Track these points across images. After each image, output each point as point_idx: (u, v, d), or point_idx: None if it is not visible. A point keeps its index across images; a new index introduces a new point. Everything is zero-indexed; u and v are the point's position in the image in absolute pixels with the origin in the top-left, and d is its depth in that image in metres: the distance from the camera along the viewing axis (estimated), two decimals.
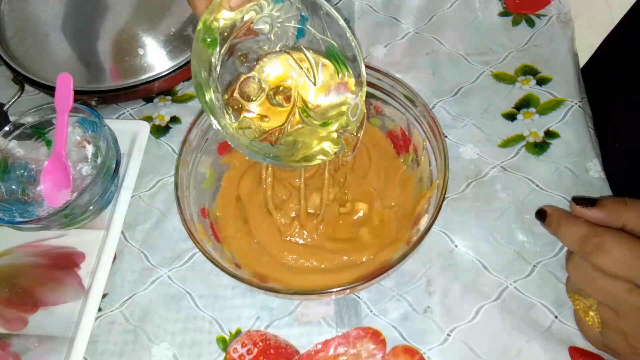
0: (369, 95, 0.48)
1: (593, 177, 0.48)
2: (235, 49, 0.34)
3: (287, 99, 0.36)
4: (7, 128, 0.49)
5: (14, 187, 0.49)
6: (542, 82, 0.54)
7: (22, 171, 0.50)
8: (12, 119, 0.50)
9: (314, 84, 0.35)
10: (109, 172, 0.47)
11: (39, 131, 0.51)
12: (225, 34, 0.33)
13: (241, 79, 0.35)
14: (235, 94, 0.35)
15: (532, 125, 0.52)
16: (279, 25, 0.34)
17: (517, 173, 0.49)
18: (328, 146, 0.34)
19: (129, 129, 0.54)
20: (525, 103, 0.53)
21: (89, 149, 0.51)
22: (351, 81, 0.35)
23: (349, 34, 0.33)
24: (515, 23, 0.58)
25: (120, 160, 0.50)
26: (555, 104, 0.53)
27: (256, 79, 0.35)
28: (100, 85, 0.54)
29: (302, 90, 0.35)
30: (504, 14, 0.59)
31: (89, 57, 0.55)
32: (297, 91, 0.35)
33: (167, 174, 0.52)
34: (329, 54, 0.34)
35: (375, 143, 0.50)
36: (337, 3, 0.62)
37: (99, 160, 0.50)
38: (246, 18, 0.33)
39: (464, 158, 0.51)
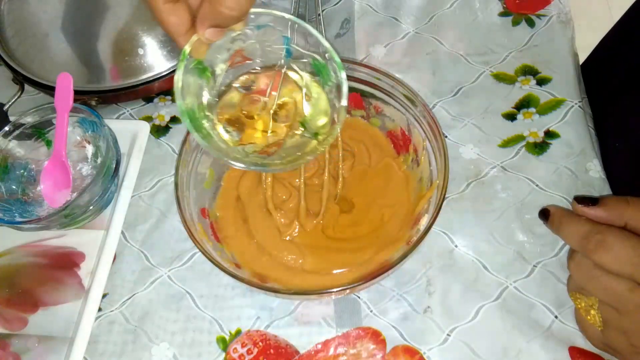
0: (369, 95, 0.48)
1: (593, 177, 0.48)
2: (232, 75, 0.37)
3: (286, 114, 0.38)
4: (7, 128, 0.49)
5: (14, 187, 0.49)
6: (542, 82, 0.54)
7: (22, 171, 0.50)
8: (12, 119, 0.50)
9: (308, 98, 0.37)
10: (109, 172, 0.47)
11: (39, 131, 0.51)
12: (217, 64, 0.35)
13: (243, 101, 0.37)
14: (240, 114, 0.37)
15: (532, 125, 0.52)
16: (268, 48, 0.36)
17: (517, 173, 0.49)
18: (314, 148, 0.36)
19: (129, 129, 0.54)
20: (525, 103, 0.53)
21: (89, 149, 0.51)
22: (335, 90, 0.36)
23: (324, 41, 0.34)
24: (515, 23, 0.58)
25: (120, 160, 0.50)
26: (555, 104, 0.53)
27: (258, 99, 0.37)
28: (100, 85, 0.54)
29: (299, 105, 0.37)
30: (504, 14, 0.59)
31: (89, 57, 0.55)
32: (295, 107, 0.37)
33: (167, 174, 0.52)
34: (315, 67, 0.36)
35: (375, 143, 0.50)
36: (337, 3, 0.62)
37: (99, 160, 0.50)
38: (235, 48, 0.35)
39: (464, 158, 0.51)
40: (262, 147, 0.37)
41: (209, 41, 0.33)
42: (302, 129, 0.37)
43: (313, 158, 0.39)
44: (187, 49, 0.33)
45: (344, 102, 0.34)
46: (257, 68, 0.37)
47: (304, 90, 0.37)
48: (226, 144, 0.36)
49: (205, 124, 0.35)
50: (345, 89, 0.35)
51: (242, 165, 0.35)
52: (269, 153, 0.37)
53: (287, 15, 0.34)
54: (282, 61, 0.37)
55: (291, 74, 0.37)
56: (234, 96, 0.37)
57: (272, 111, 0.37)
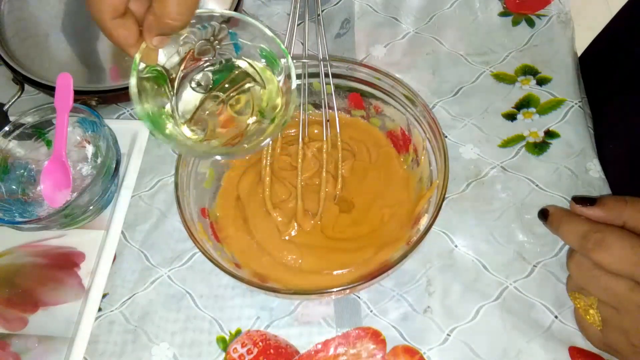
0: (369, 95, 0.48)
1: (593, 177, 0.48)
2: (187, 76, 0.39)
3: (244, 106, 0.40)
4: (7, 128, 0.49)
5: (14, 187, 0.49)
6: (542, 82, 0.54)
7: (22, 171, 0.50)
8: (12, 119, 0.50)
9: (262, 87, 0.39)
10: (109, 172, 0.47)
11: (39, 131, 0.51)
12: (170, 67, 0.37)
13: (202, 98, 0.39)
14: (200, 112, 0.39)
15: (532, 125, 0.52)
16: (217, 46, 0.38)
17: (517, 173, 0.49)
18: (272, 130, 0.38)
19: (129, 129, 0.54)
20: (525, 103, 0.53)
21: (89, 149, 0.51)
22: (285, 75, 0.39)
23: (267, 31, 0.37)
24: (515, 23, 0.58)
25: (120, 160, 0.50)
26: (555, 104, 0.53)
27: (215, 95, 0.39)
28: (100, 85, 0.54)
29: (255, 95, 0.40)
30: (504, 14, 0.59)
31: (89, 57, 0.55)
32: (251, 98, 0.40)
33: (167, 174, 0.52)
34: (264, 57, 0.38)
35: (375, 143, 0.50)
36: (337, 3, 0.62)
37: (99, 160, 0.50)
38: (185, 50, 0.37)
39: (464, 158, 0.51)
40: (226, 140, 0.39)
41: (158, 48, 0.35)
42: (261, 117, 0.39)
43: (272, 140, 0.42)
44: (137, 56, 0.35)
45: (294, 85, 0.37)
46: (210, 67, 0.39)
47: (258, 80, 0.39)
48: (191, 142, 0.38)
49: (168, 125, 0.37)
50: (292, 73, 0.37)
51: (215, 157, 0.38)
52: (233, 144, 0.39)
53: (226, 12, 0.37)
54: (232, 56, 0.39)
55: (243, 66, 0.40)
56: (192, 96, 0.39)
57: (230, 105, 0.40)
